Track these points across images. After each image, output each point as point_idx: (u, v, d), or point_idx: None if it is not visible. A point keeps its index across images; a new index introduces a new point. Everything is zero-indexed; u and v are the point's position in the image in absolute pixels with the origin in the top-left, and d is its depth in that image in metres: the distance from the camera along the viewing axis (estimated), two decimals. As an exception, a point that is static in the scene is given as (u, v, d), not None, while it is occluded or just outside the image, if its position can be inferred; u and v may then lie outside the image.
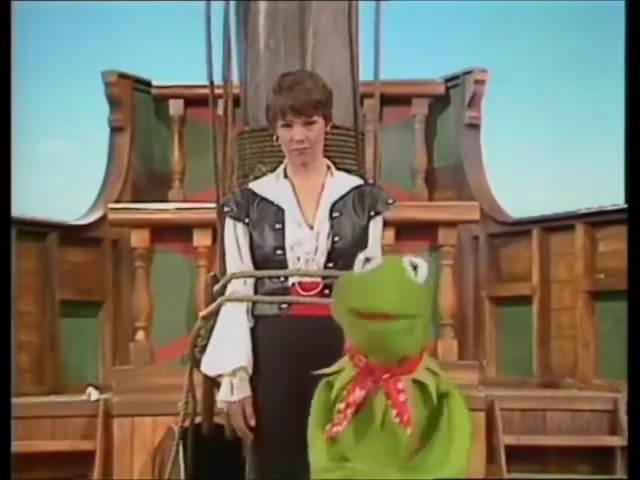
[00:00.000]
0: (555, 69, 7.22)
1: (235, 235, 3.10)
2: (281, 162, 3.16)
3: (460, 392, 2.63)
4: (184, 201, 6.22)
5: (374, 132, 3.96)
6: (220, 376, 3.05)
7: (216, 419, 3.46)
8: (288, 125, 3.02)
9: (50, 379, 5.76)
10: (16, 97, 4.23)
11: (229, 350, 3.02)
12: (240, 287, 3.08)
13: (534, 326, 5.97)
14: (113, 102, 6.49)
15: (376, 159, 3.83)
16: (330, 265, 3.02)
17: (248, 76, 3.92)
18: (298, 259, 3.02)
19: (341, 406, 2.59)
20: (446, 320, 5.23)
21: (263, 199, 3.09)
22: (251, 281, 3.08)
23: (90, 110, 6.87)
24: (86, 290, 6.08)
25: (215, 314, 3.13)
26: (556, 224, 5.96)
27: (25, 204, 5.52)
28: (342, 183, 3.13)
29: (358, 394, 2.57)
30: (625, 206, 5.25)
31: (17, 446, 4.40)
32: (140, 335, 5.19)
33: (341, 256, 3.01)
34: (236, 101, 3.86)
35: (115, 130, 6.53)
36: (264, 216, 3.06)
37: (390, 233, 4.95)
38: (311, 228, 3.04)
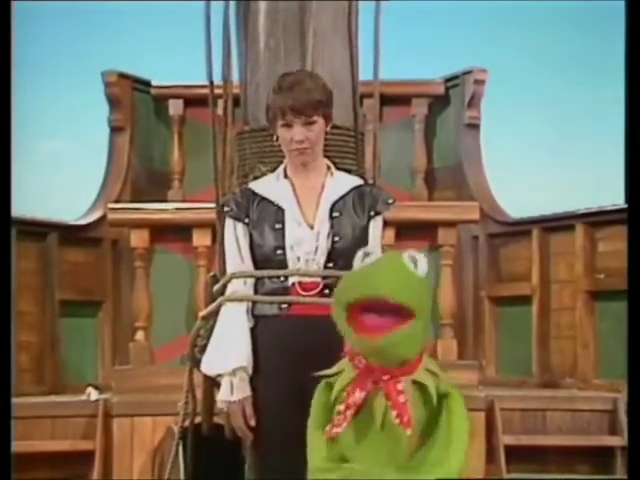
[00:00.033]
0: (555, 69, 7.22)
1: (235, 235, 3.10)
2: (281, 162, 3.16)
3: (460, 393, 2.64)
4: (184, 201, 6.22)
5: (374, 132, 3.96)
6: (220, 376, 3.05)
7: (216, 419, 3.46)
8: (288, 125, 3.02)
9: (50, 379, 5.76)
10: (16, 97, 4.23)
11: (229, 350, 3.02)
12: (240, 287, 3.08)
13: (534, 326, 5.97)
14: (113, 102, 6.49)
15: (375, 159, 3.83)
16: (330, 265, 3.02)
17: (248, 76, 3.92)
18: (298, 259, 3.02)
19: (341, 407, 2.59)
20: (446, 320, 5.23)
21: (263, 199, 3.09)
22: (251, 281, 3.08)
23: (90, 110, 6.87)
24: (86, 290, 6.08)
25: (215, 314, 3.13)
26: (556, 224, 5.96)
27: (25, 204, 5.53)
28: (342, 183, 3.13)
29: (358, 395, 2.57)
30: (625, 206, 5.25)
31: (17, 446, 4.41)
32: (140, 335, 5.19)
33: (341, 256, 3.01)
34: (236, 101, 3.85)
35: (115, 130, 6.53)
36: (264, 216, 3.06)
37: (390, 233, 4.96)
38: (311, 228, 3.04)
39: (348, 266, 2.78)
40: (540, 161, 7.13)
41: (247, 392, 3.01)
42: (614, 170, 5.78)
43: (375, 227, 3.12)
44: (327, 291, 2.99)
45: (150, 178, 6.58)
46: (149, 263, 5.30)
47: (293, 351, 2.98)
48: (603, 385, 5.49)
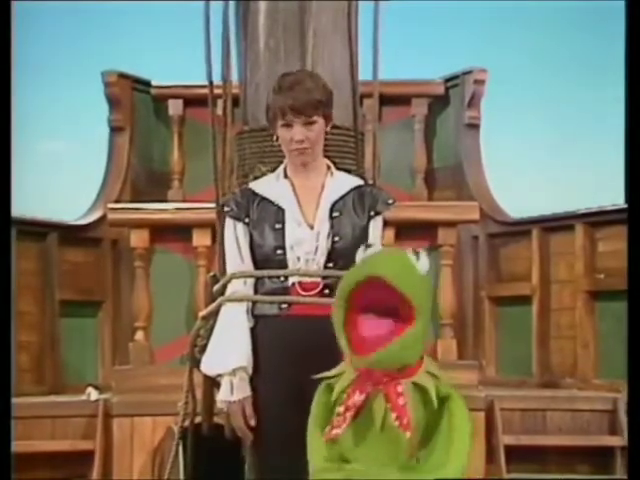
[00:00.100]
0: (555, 69, 7.22)
1: (235, 235, 3.10)
2: (281, 162, 3.16)
3: (460, 395, 2.63)
4: (183, 201, 6.22)
5: (373, 132, 3.97)
6: (220, 376, 3.05)
7: (216, 419, 3.46)
8: (288, 125, 3.02)
9: (50, 379, 5.76)
10: (16, 97, 4.23)
11: (229, 350, 3.02)
12: (240, 287, 3.08)
13: (534, 326, 5.97)
14: (113, 102, 6.49)
15: (375, 159, 3.83)
16: (330, 265, 3.02)
17: (248, 76, 3.92)
18: (298, 259, 3.02)
19: (340, 409, 2.59)
20: (446, 320, 5.23)
21: (263, 199, 3.09)
22: (251, 281, 3.08)
23: (90, 110, 6.87)
24: (86, 290, 6.08)
25: (215, 314, 3.13)
26: (556, 224, 5.96)
27: (25, 204, 5.53)
28: (342, 183, 3.13)
29: (358, 398, 2.57)
30: (625, 206, 5.25)
31: (17, 446, 4.41)
32: (140, 335, 5.19)
33: (341, 256, 3.01)
34: (235, 101, 3.86)
35: (115, 130, 6.53)
36: (264, 216, 3.06)
37: (390, 233, 4.96)
38: (311, 228, 3.04)
39: (348, 266, 2.78)
40: (540, 161, 7.13)
41: (247, 392, 3.01)
42: (614, 170, 5.79)
43: (375, 227, 3.12)
44: (327, 291, 2.99)
45: (150, 178, 6.58)
46: (149, 263, 5.30)
47: (293, 351, 2.98)
48: (603, 385, 5.49)
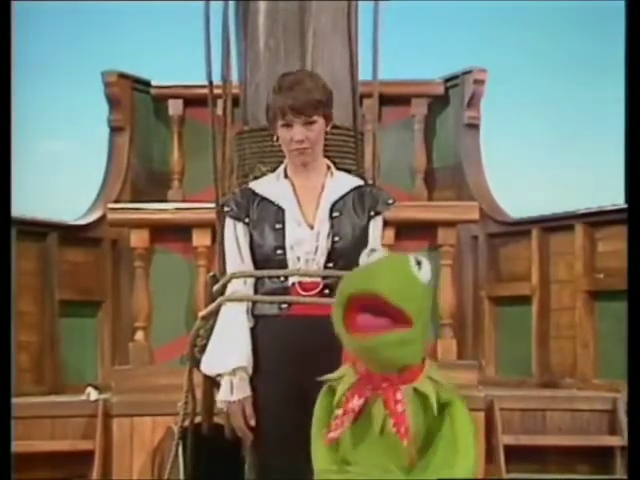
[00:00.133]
0: (555, 69, 7.22)
1: (235, 235, 3.10)
2: (281, 162, 3.17)
3: (462, 399, 2.61)
4: (183, 201, 6.22)
5: (373, 132, 3.96)
6: (220, 376, 3.05)
7: (216, 419, 3.46)
8: (288, 125, 3.02)
9: (50, 379, 5.76)
10: (16, 97, 4.23)
11: (229, 350, 3.02)
12: (240, 287, 3.08)
13: (533, 326, 5.97)
14: (113, 102, 6.49)
15: (375, 159, 3.83)
16: (330, 265, 3.02)
17: (248, 76, 3.92)
18: (298, 259, 3.02)
19: (339, 412, 2.58)
20: (445, 320, 5.23)
21: (263, 199, 3.09)
22: (251, 281, 3.08)
23: (90, 110, 6.87)
24: (85, 290, 6.08)
25: (215, 314, 3.13)
26: (555, 224, 5.96)
27: (25, 204, 5.53)
28: (342, 183, 3.13)
29: (356, 402, 2.56)
30: (625, 206, 5.25)
31: (17, 446, 4.41)
32: (139, 335, 5.19)
33: (341, 256, 3.01)
34: (235, 101, 3.86)
35: (115, 130, 6.53)
36: (264, 216, 3.07)
37: (390, 233, 4.95)
38: (311, 228, 3.04)
39: (348, 266, 2.79)
40: (540, 161, 7.13)
41: (247, 392, 3.01)
42: (614, 170, 5.79)
43: (375, 227, 3.12)
44: (327, 291, 2.99)
45: (150, 178, 6.57)
46: (149, 263, 5.30)
47: (293, 351, 2.98)
48: (603, 385, 5.49)
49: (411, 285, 2.49)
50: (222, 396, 3.04)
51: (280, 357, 2.99)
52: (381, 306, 2.44)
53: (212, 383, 3.24)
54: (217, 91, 3.71)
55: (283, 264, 3.03)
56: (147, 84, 6.62)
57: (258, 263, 3.07)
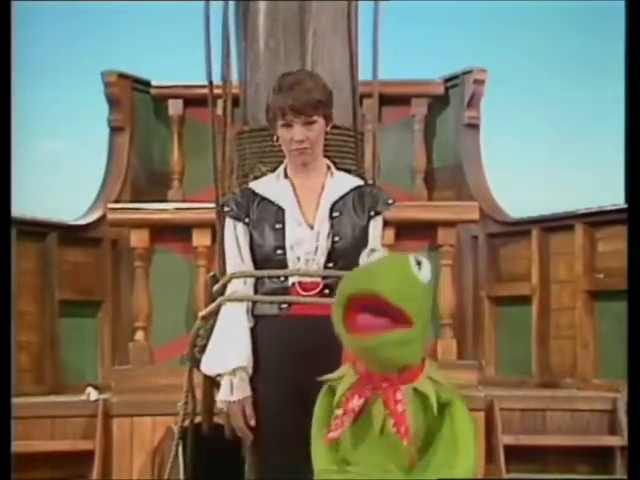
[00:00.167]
0: (555, 69, 7.22)
1: (235, 235, 3.10)
2: (281, 162, 3.17)
3: (462, 400, 2.61)
4: (183, 201, 6.22)
5: (373, 132, 3.96)
6: (220, 376, 3.05)
7: (216, 419, 3.46)
8: (288, 125, 3.02)
9: (50, 379, 5.76)
10: (16, 97, 4.23)
11: (229, 350, 3.02)
12: (240, 287, 3.08)
13: (533, 326, 5.97)
14: (112, 102, 6.49)
15: (375, 159, 3.83)
16: (330, 265, 3.02)
17: (248, 76, 3.92)
18: (298, 259, 3.02)
19: (339, 412, 2.58)
20: (445, 320, 5.23)
21: (263, 199, 3.09)
22: (251, 281, 3.08)
23: (90, 110, 6.88)
24: (85, 290, 6.08)
25: (215, 314, 3.13)
26: (555, 224, 5.96)
27: (25, 204, 5.53)
28: (342, 183, 3.13)
29: (356, 402, 2.55)
30: (625, 206, 5.25)
31: (17, 446, 4.41)
32: (139, 335, 5.19)
33: (341, 256, 3.01)
34: (235, 101, 3.86)
35: (114, 130, 6.53)
36: (264, 216, 3.07)
37: (390, 233, 4.96)
38: (311, 228, 3.04)
39: (348, 266, 2.79)
40: (540, 161, 7.13)
41: (247, 392, 3.01)
42: (614, 170, 5.79)
43: (375, 227, 3.12)
44: (327, 291, 2.99)
45: (150, 178, 6.58)
46: (149, 263, 5.30)
47: (293, 351, 2.98)
48: (603, 385, 5.49)
49: (411, 285, 2.49)
50: (222, 396, 3.04)
51: (280, 357, 2.99)
52: (381, 306, 2.44)
53: (212, 383, 3.23)
54: (217, 91, 3.71)
55: (283, 264, 3.03)
56: (147, 84, 6.62)
57: (258, 263, 3.07)
